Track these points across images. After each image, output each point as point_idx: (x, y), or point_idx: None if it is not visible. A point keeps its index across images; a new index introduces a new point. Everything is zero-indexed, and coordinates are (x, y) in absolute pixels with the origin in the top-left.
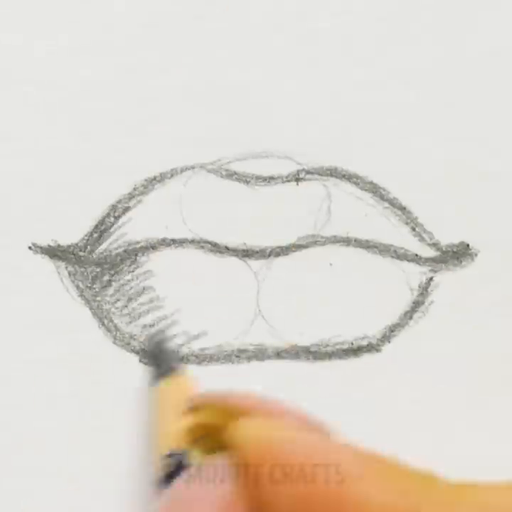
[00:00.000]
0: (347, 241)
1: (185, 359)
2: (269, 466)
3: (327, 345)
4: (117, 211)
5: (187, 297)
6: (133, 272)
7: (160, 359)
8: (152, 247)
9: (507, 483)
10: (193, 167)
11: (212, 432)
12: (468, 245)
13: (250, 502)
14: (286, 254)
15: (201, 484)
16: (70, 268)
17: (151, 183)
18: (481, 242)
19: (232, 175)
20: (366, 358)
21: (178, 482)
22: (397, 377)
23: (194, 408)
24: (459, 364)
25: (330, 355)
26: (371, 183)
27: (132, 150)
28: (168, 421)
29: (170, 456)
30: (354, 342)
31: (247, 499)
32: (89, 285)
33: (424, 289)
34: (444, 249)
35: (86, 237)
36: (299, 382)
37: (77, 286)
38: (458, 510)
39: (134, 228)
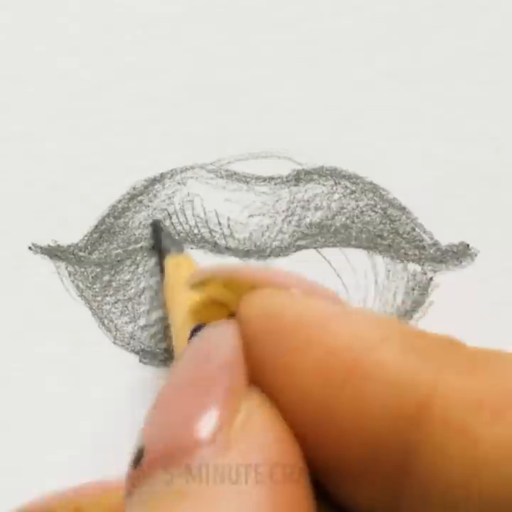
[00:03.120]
0: (347, 241)
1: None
2: (275, 335)
3: None
4: (117, 211)
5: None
6: (133, 272)
7: (160, 238)
8: (152, 247)
9: None
10: (193, 167)
11: (221, 307)
12: (468, 245)
13: (251, 365)
14: (286, 255)
15: (210, 341)
16: (70, 268)
17: (151, 183)
18: (481, 242)
19: (232, 175)
20: None
21: (193, 340)
22: None
23: (200, 284)
24: None
25: None
26: (371, 183)
27: (132, 150)
28: (178, 297)
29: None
30: None
31: (248, 362)
32: (89, 285)
33: (424, 289)
34: (444, 249)
35: (86, 237)
36: None
37: (77, 286)
38: (483, 375)
39: (133, 228)
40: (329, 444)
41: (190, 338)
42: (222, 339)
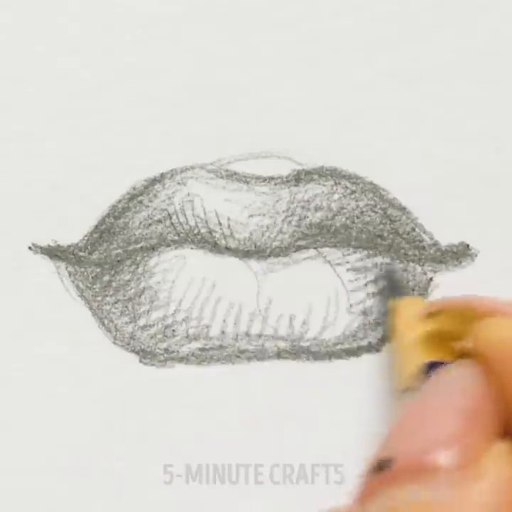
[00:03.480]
0: (347, 241)
1: (185, 359)
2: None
3: (327, 345)
4: (117, 211)
5: (187, 297)
6: (133, 272)
7: (394, 282)
8: (152, 247)
9: None
10: (193, 167)
11: (451, 338)
12: (468, 245)
13: (499, 405)
14: (286, 255)
15: (447, 389)
16: (70, 268)
17: (151, 183)
18: (481, 242)
19: (232, 175)
20: (366, 358)
21: (424, 387)
22: None
23: (431, 315)
24: None
25: (330, 355)
26: (371, 183)
27: (132, 150)
28: (408, 333)
29: (429, 366)
30: (354, 342)
31: (496, 402)
32: (89, 285)
33: (424, 289)
34: (444, 249)
35: (86, 237)
36: (299, 382)
37: (77, 286)
38: None
39: (134, 228)
40: None
41: (422, 370)
42: (474, 378)
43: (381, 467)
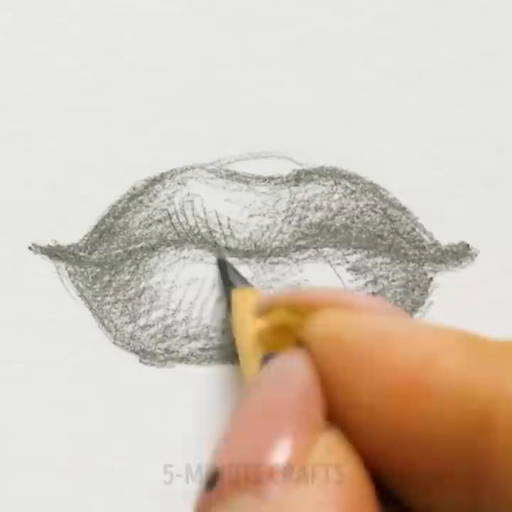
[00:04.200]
0: (347, 241)
1: (185, 359)
2: (341, 355)
3: None
4: (117, 211)
5: (187, 297)
6: (133, 272)
7: (227, 273)
8: (152, 247)
9: None
10: (193, 167)
11: (289, 330)
12: (468, 245)
13: (325, 386)
14: (286, 255)
15: (271, 387)
16: (70, 268)
17: (151, 183)
18: (481, 242)
19: (232, 175)
20: None
21: (266, 367)
22: None
23: (265, 311)
24: None
25: None
26: (371, 183)
27: (132, 150)
28: (246, 328)
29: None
30: None
31: (322, 383)
32: (89, 285)
33: (424, 289)
34: (444, 249)
35: (86, 237)
36: None
37: (77, 286)
38: None
39: (133, 228)
40: (400, 458)
41: (261, 367)
42: (298, 369)
43: (209, 482)
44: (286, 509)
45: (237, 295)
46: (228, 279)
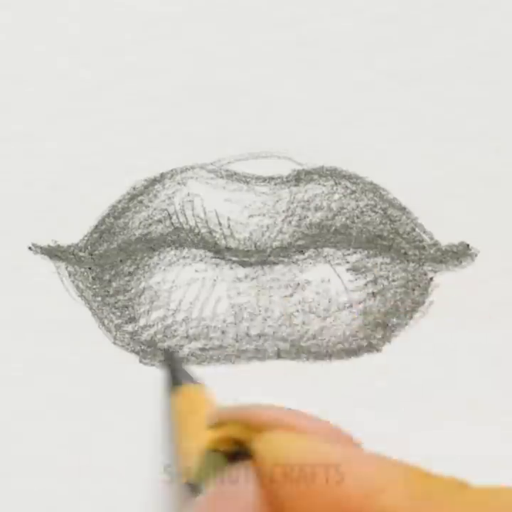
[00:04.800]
0: (347, 241)
1: (185, 359)
2: (290, 479)
3: (327, 346)
4: (117, 211)
5: (187, 297)
6: (133, 272)
7: (174, 368)
8: (152, 247)
9: None
10: (193, 167)
11: (238, 444)
12: (468, 245)
13: (272, 507)
14: (286, 255)
15: (226, 490)
16: (70, 268)
17: (151, 183)
18: (481, 242)
19: (232, 175)
20: (366, 358)
21: (205, 495)
22: (397, 377)
23: (218, 423)
24: (458, 364)
25: (330, 355)
26: (371, 183)
27: (132, 150)
28: (188, 431)
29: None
30: (354, 342)
31: (269, 504)
32: (89, 285)
33: (424, 289)
34: (444, 249)
35: (86, 237)
36: (299, 382)
37: (77, 286)
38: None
39: (133, 228)
40: None
41: (201, 464)
42: (244, 487)
43: None
44: None
45: (184, 391)
46: (174, 376)
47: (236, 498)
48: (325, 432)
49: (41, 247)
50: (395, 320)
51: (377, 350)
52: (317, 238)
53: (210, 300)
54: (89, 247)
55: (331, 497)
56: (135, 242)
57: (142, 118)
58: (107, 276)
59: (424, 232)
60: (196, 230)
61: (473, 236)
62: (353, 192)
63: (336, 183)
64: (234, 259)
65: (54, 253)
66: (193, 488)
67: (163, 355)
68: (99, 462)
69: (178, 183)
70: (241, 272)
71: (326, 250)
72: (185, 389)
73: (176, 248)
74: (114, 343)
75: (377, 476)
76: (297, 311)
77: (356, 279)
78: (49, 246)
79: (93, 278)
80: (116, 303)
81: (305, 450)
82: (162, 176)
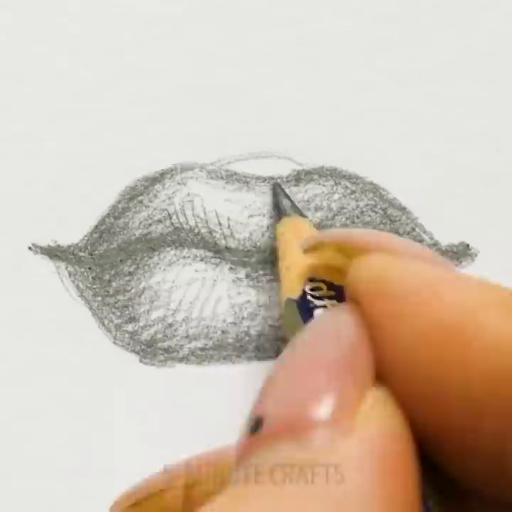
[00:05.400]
0: None
1: (185, 359)
2: (383, 298)
3: None
4: (117, 211)
5: (187, 297)
6: (133, 272)
7: (279, 200)
8: (152, 247)
9: None
10: (193, 167)
11: (333, 272)
12: (468, 245)
13: (372, 351)
14: None
15: (320, 338)
16: (70, 268)
17: (151, 183)
18: (481, 242)
19: (232, 175)
20: None
21: (298, 336)
22: None
23: (311, 249)
24: None
25: None
26: (371, 183)
27: (132, 150)
28: (290, 259)
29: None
30: None
31: (370, 348)
32: (89, 285)
33: None
34: (444, 249)
35: (86, 237)
36: None
37: (77, 286)
38: None
39: (134, 228)
40: (435, 411)
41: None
42: (347, 324)
43: (253, 427)
44: (329, 459)
45: (287, 222)
46: (279, 206)
47: (336, 334)
48: (425, 256)
49: (41, 247)
50: None
51: None
52: None
53: (210, 300)
54: (89, 247)
55: (427, 317)
56: (135, 242)
57: (142, 118)
58: (107, 276)
59: (424, 232)
60: (196, 230)
61: (473, 236)
62: (353, 192)
63: (335, 183)
64: (234, 259)
65: (54, 253)
66: (299, 304)
67: (271, 187)
68: (99, 462)
69: (178, 183)
70: (241, 271)
71: None
72: (290, 218)
73: (176, 248)
74: (114, 343)
75: (474, 295)
76: None
77: None
78: (49, 246)
79: (93, 278)
80: (116, 303)
81: (402, 269)
82: (162, 175)
